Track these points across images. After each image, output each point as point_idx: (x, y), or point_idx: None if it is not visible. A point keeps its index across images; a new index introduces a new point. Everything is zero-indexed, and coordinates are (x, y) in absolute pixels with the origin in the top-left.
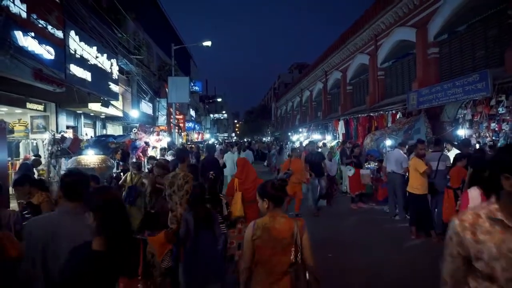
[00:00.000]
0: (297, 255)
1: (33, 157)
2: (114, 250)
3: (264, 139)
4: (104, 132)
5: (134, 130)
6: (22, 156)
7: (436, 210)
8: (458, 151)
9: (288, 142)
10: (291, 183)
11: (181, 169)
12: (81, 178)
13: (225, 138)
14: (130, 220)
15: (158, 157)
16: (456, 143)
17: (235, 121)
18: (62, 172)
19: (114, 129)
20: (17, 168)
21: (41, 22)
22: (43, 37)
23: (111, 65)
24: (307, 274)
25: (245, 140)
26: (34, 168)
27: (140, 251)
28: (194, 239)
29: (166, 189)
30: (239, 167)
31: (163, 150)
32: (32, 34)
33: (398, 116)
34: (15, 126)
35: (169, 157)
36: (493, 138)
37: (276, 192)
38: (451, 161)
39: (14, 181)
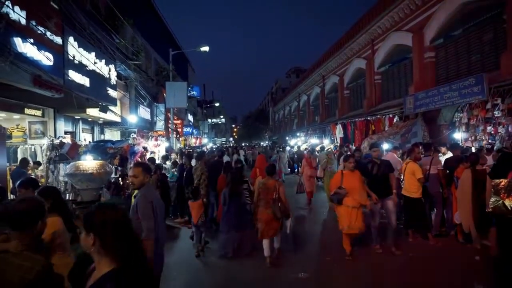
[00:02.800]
0: (276, 195)
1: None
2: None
3: (262, 143)
4: (102, 137)
5: (133, 136)
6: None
7: (435, 212)
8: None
9: (286, 146)
10: (344, 208)
11: (200, 165)
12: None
13: (223, 142)
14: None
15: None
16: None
17: (233, 125)
18: (60, 178)
19: (112, 134)
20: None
21: (40, 28)
22: (42, 44)
23: (109, 70)
24: (279, 204)
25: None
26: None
27: None
28: (229, 204)
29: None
30: (258, 161)
31: (164, 159)
32: (31, 40)
33: (395, 120)
34: (13, 131)
35: (168, 163)
36: (489, 141)
37: (269, 170)
38: (443, 164)
39: (18, 183)
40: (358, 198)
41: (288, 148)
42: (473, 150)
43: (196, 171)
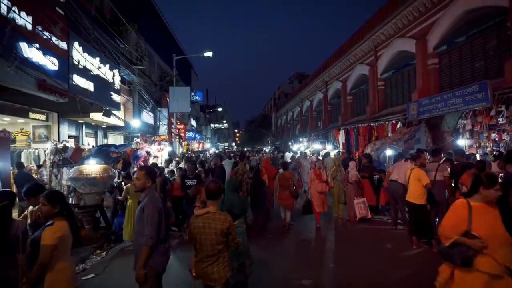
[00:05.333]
0: (291, 182)
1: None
2: None
3: (265, 148)
4: (106, 141)
5: (136, 140)
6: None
7: (437, 219)
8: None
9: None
10: (477, 276)
11: (241, 165)
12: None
13: (226, 147)
14: None
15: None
16: (451, 152)
17: (236, 130)
18: (64, 182)
19: (115, 139)
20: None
21: (46, 33)
22: (47, 48)
23: (113, 75)
24: (294, 187)
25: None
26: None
27: None
28: (255, 191)
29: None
30: (264, 162)
31: (167, 162)
32: (37, 45)
33: (398, 126)
34: (17, 135)
35: (172, 166)
36: (494, 148)
37: (284, 166)
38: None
39: (25, 191)
40: (504, 257)
41: (311, 153)
42: (478, 157)
43: (238, 170)
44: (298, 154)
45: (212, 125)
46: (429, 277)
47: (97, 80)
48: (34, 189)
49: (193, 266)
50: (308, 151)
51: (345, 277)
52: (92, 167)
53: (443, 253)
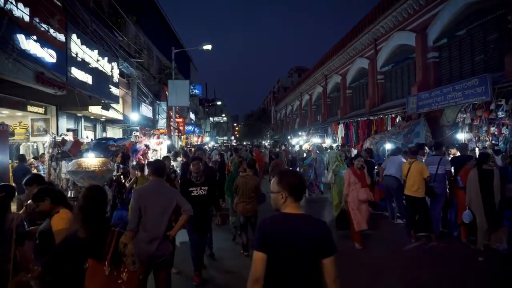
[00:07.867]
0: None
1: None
2: (92, 237)
3: (264, 142)
4: (104, 135)
5: (135, 133)
6: None
7: (433, 212)
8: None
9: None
10: None
11: (236, 156)
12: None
13: (225, 141)
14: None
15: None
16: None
17: (235, 124)
18: (63, 175)
19: (114, 132)
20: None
21: (44, 25)
22: (45, 41)
23: (112, 68)
24: None
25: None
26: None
27: (110, 240)
28: None
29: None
30: (256, 153)
31: (174, 156)
32: (35, 37)
33: (397, 120)
34: (16, 129)
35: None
36: (493, 142)
37: (275, 156)
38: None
39: (25, 182)
40: None
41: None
42: (477, 150)
43: (234, 160)
44: (297, 148)
45: (211, 118)
46: (428, 270)
47: (95, 73)
48: (33, 178)
49: (235, 205)
50: (307, 145)
51: (344, 272)
52: (91, 160)
53: None
